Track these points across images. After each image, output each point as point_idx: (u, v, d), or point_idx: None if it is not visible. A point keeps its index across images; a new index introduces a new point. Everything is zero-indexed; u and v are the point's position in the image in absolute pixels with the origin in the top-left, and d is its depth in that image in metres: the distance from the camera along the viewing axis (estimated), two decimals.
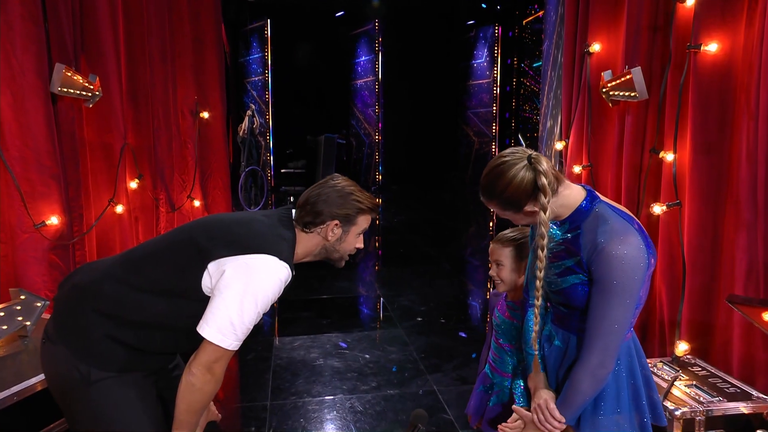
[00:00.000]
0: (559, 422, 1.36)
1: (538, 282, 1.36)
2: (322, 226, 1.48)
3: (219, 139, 4.20)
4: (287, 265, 1.40)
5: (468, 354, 3.56)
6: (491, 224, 9.08)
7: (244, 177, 8.72)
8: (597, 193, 1.38)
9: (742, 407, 1.85)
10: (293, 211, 1.54)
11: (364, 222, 1.52)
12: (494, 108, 11.58)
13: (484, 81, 11.90)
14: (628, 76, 2.53)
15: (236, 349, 1.37)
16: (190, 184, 3.92)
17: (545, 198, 1.26)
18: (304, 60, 12.25)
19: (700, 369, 2.14)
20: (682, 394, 1.95)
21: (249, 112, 8.98)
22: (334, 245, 1.52)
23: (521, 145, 11.29)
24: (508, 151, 1.33)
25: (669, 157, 2.38)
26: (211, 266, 1.36)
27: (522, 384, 1.64)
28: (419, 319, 4.18)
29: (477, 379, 1.85)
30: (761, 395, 1.90)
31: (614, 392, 1.37)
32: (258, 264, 1.35)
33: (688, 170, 2.30)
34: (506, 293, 1.77)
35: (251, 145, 9.03)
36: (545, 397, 1.41)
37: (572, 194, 1.34)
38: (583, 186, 1.39)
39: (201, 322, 1.34)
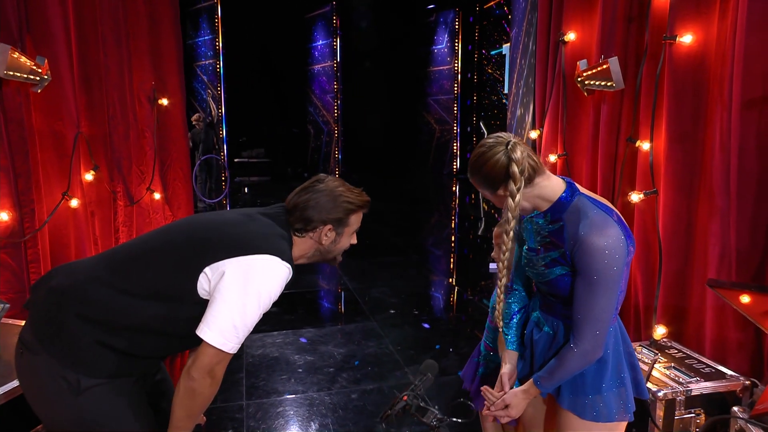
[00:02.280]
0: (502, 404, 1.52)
1: (500, 264, 1.47)
2: (314, 232, 1.48)
3: (178, 127, 4.05)
4: (289, 265, 1.39)
5: (444, 344, 3.64)
6: (453, 213, 9.26)
7: (198, 167, 8.47)
8: (577, 185, 1.44)
9: (718, 386, 1.99)
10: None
11: (356, 221, 1.54)
12: (455, 93, 11.71)
13: (445, 67, 12.02)
14: (604, 66, 2.63)
15: (237, 350, 1.36)
16: (149, 175, 3.78)
17: (514, 185, 1.32)
18: (257, 43, 11.97)
19: (676, 351, 2.29)
20: (662, 375, 2.08)
21: (210, 96, 8.69)
22: (329, 248, 1.52)
23: (484, 133, 11.52)
24: (496, 134, 1.40)
25: (645, 146, 2.50)
26: (208, 269, 1.34)
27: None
28: (392, 311, 4.23)
29: (475, 349, 2.04)
30: (734, 374, 2.05)
31: (601, 372, 1.46)
32: (260, 265, 1.34)
33: (664, 159, 2.43)
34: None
35: (204, 134, 8.77)
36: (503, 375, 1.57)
37: (551, 186, 1.40)
38: (563, 178, 1.45)
39: (201, 324, 1.32)
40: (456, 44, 11.62)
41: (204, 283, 1.34)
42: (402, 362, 3.33)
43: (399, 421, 1.41)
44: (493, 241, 1.88)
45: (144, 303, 1.34)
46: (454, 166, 11.95)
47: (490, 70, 10.97)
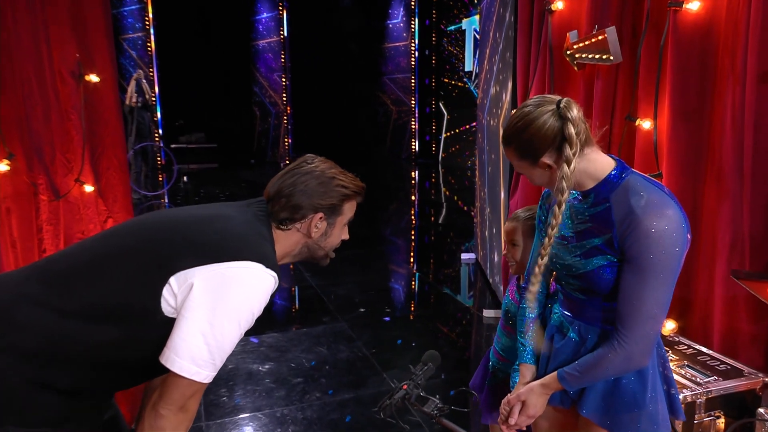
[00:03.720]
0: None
1: (542, 251, 1.31)
2: (302, 222, 1.32)
3: (111, 108, 3.69)
4: (274, 274, 1.21)
5: (423, 344, 3.51)
6: (413, 198, 9.19)
7: (132, 155, 7.93)
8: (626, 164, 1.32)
9: (738, 385, 1.93)
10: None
11: (350, 210, 1.39)
12: (413, 72, 11.56)
13: (401, 43, 11.83)
14: (600, 37, 2.52)
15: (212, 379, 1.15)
16: (77, 164, 3.41)
17: (571, 149, 1.20)
18: (194, 15, 11.33)
19: (685, 347, 2.22)
20: (677, 375, 2.00)
21: (136, 76, 8.12)
22: (318, 242, 1.36)
23: (444, 114, 11.46)
24: (535, 97, 1.28)
25: (646, 124, 2.41)
26: (175, 280, 1.13)
27: (519, 379, 1.60)
28: (362, 310, 4.08)
29: (484, 356, 1.95)
30: (752, 370, 2.00)
31: (643, 382, 1.34)
32: (238, 274, 1.15)
33: (666, 138, 2.34)
34: (518, 277, 1.75)
35: (141, 117, 8.22)
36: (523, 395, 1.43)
37: (600, 161, 1.28)
38: (611, 156, 1.32)
39: (167, 350, 1.12)
40: (412, 19, 11.43)
41: (169, 297, 1.13)
42: (378, 367, 3.18)
43: (398, 412, 1.39)
44: (504, 238, 1.73)
45: (91, 326, 1.12)
46: (413, 150, 11.85)
47: (450, 47, 10.86)
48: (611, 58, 2.50)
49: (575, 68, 2.82)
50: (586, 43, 2.64)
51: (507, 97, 3.72)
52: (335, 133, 12.14)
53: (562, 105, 1.22)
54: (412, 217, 7.87)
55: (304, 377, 3.06)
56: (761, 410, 1.83)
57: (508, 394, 1.48)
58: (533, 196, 3.18)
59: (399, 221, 7.46)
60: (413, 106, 11.71)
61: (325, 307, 4.11)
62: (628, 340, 1.25)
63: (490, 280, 4.39)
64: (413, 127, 11.73)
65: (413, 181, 10.54)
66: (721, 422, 1.93)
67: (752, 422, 1.84)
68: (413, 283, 4.90)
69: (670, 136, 2.32)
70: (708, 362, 2.09)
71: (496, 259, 4.10)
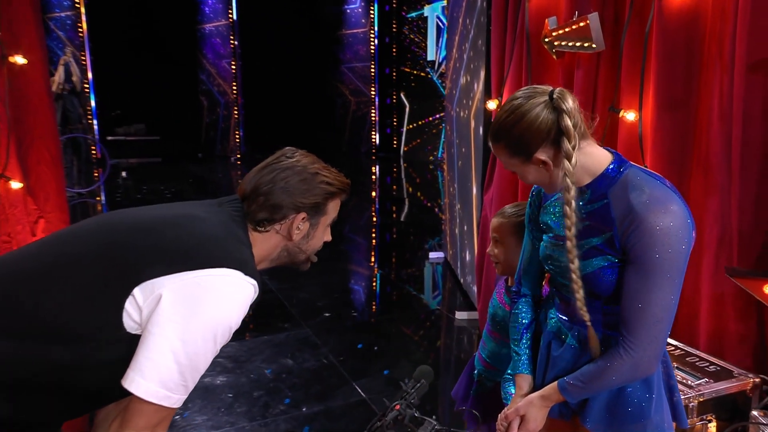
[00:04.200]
0: None
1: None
2: (282, 223, 1.26)
3: (41, 94, 3.45)
4: (254, 282, 1.13)
5: (394, 350, 3.46)
6: (374, 194, 9.15)
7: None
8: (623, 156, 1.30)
9: (730, 387, 1.95)
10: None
11: (334, 209, 1.35)
12: (372, 60, 11.49)
13: (360, 30, 11.74)
14: (582, 24, 2.51)
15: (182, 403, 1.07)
16: (1, 158, 3.17)
17: (570, 143, 1.17)
18: None
19: (672, 347, 2.23)
20: None
21: (65, 59, 7.71)
22: (300, 245, 1.30)
23: (405, 106, 11.45)
24: (525, 88, 1.26)
25: (630, 116, 2.42)
26: (139, 291, 1.05)
27: (513, 392, 1.57)
28: (326, 314, 4.00)
29: (468, 362, 1.92)
30: (741, 371, 2.03)
31: (649, 390, 1.32)
32: (214, 283, 1.07)
33: (651, 130, 2.36)
34: (507, 278, 1.73)
35: (70, 105, 7.82)
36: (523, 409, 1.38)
37: (597, 155, 1.26)
38: (607, 148, 1.30)
39: (130, 373, 1.03)
40: (371, 5, 11.35)
41: (133, 311, 1.05)
42: (348, 376, 3.11)
43: None
44: (491, 234, 1.68)
45: (39, 348, 1.02)
46: (373, 143, 11.79)
47: (412, 35, 10.84)
48: (594, 45, 2.50)
49: (554, 57, 2.82)
50: (567, 30, 2.64)
51: (479, 87, 3.70)
52: (290, 125, 11.93)
53: (555, 95, 1.19)
54: (374, 215, 7.82)
55: (266, 390, 2.96)
56: (755, 413, 1.86)
57: (505, 408, 1.44)
58: (509, 191, 3.17)
59: (359, 219, 7.40)
60: (373, 96, 11.65)
61: (287, 313, 4.01)
62: (635, 346, 1.22)
63: (462, 280, 4.38)
64: (373, 118, 11.67)
65: (374, 177, 10.51)
66: (713, 426, 1.95)
67: (746, 426, 1.86)
68: (379, 284, 4.85)
69: (655, 127, 2.34)
70: (697, 363, 2.10)
71: (467, 257, 4.09)
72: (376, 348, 3.49)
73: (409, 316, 4.09)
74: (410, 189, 9.62)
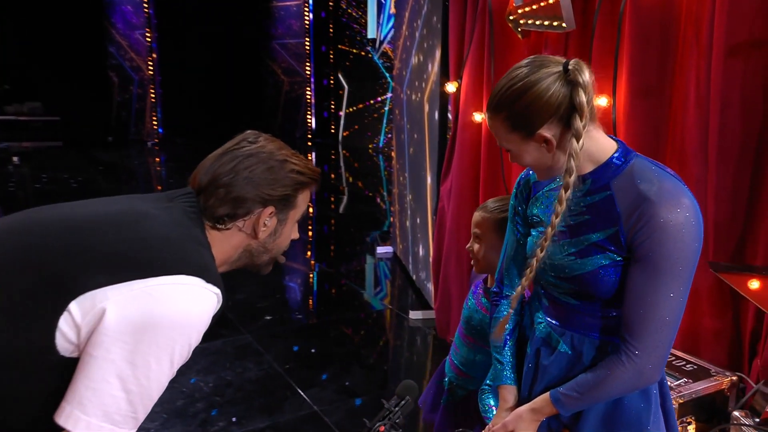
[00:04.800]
0: None
1: (542, 244, 1.24)
2: (246, 218, 1.16)
3: None
4: (217, 291, 1.04)
5: (345, 355, 3.41)
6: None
7: None
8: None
9: (709, 387, 2.00)
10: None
11: (304, 202, 1.26)
12: (306, 37, 11.29)
13: (292, 2, 11.47)
14: (552, 0, 2.50)
15: None
16: None
17: (581, 121, 1.14)
18: None
19: None
20: None
21: None
22: (265, 243, 1.21)
23: (344, 88, 11.32)
24: (529, 57, 1.21)
25: (602, 101, 2.43)
26: (77, 306, 0.93)
27: (493, 403, 1.57)
28: (267, 317, 3.91)
29: (437, 369, 1.89)
30: (719, 369, 2.09)
31: (647, 401, 1.31)
32: (169, 294, 0.97)
33: (624, 117, 2.38)
34: (486, 278, 1.71)
35: None
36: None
37: (602, 141, 1.23)
38: (611, 136, 1.28)
39: (66, 406, 0.91)
40: None
41: (68, 330, 0.93)
42: (296, 386, 3.03)
43: None
44: (472, 230, 1.64)
45: None
46: (309, 127, 11.61)
47: (349, 11, 10.70)
48: (563, 24, 2.49)
49: (519, 36, 2.80)
50: (534, 7, 2.62)
51: (434, 69, 3.66)
52: (215, 107, 11.53)
53: (571, 66, 1.14)
54: (311, 205, 7.68)
55: (204, 404, 2.83)
56: (736, 413, 1.91)
57: (489, 424, 1.41)
58: (470, 182, 3.15)
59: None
60: (308, 76, 11.43)
61: (223, 317, 3.85)
62: (639, 353, 1.20)
63: (414, 277, 4.36)
64: (309, 101, 11.46)
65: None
66: (692, 428, 2.00)
67: (727, 428, 1.91)
68: (324, 282, 4.77)
69: (628, 114, 2.36)
70: (674, 362, 2.15)
71: (421, 252, 4.07)
72: (325, 353, 3.42)
73: (359, 316, 4.05)
74: (350, 178, 9.55)
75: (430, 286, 3.77)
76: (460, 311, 3.28)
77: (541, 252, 1.23)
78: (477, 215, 1.64)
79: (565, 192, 1.18)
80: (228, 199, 1.12)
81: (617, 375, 1.22)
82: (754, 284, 1.76)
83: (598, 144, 1.21)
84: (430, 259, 3.72)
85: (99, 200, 1.14)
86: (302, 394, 2.94)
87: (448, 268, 3.32)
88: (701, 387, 2.00)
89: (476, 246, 1.63)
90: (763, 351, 2.08)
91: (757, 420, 1.85)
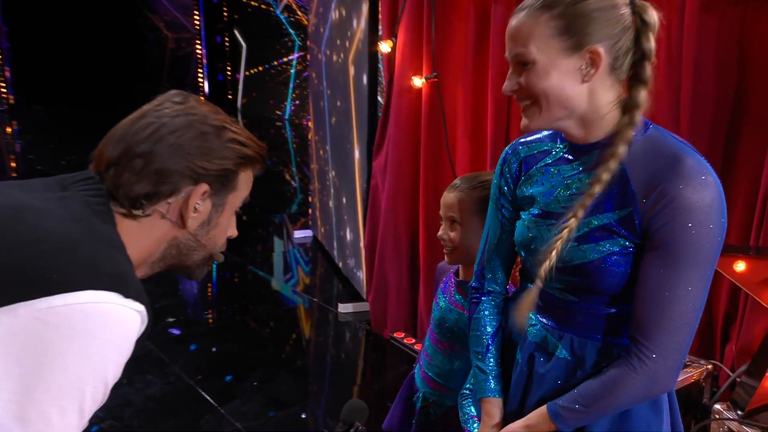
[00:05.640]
0: None
1: (558, 243, 1.17)
2: (171, 200, 1.01)
3: None
4: (140, 307, 0.88)
5: (268, 358, 3.30)
6: None
7: None
8: None
9: (687, 377, 2.05)
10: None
11: (246, 185, 1.12)
12: None
13: None
14: None
15: None
16: None
17: (649, 68, 1.12)
18: None
19: None
20: None
21: None
22: (197, 235, 1.06)
23: (240, 44, 10.90)
24: None
25: None
26: None
27: (474, 412, 1.50)
28: (169, 319, 3.71)
29: (403, 384, 1.81)
30: (693, 358, 2.15)
31: (658, 411, 1.28)
32: (73, 320, 0.82)
33: None
34: (457, 270, 1.65)
35: None
36: None
37: (609, 106, 1.17)
38: None
39: None
40: None
41: None
42: (212, 400, 2.88)
43: None
44: (446, 214, 1.58)
45: None
46: (201, 92, 11.17)
47: None
48: None
49: None
50: None
51: (360, 25, 3.52)
52: (83, 67, 10.75)
53: (637, 2, 1.12)
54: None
55: (100, 425, 2.64)
56: (717, 406, 1.96)
57: None
58: (409, 156, 3.09)
59: None
60: (197, 32, 10.93)
61: None
62: (655, 356, 1.16)
63: (340, 265, 4.31)
64: (199, 61, 10.98)
65: None
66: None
67: (708, 423, 1.96)
68: (233, 274, 4.59)
69: None
70: None
71: (348, 237, 3.98)
72: (243, 358, 3.29)
73: (278, 312, 3.95)
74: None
75: (362, 275, 3.70)
76: (398, 302, 3.26)
77: (562, 244, 1.16)
78: (451, 196, 1.57)
79: (615, 162, 1.12)
80: (147, 172, 0.96)
81: (628, 382, 1.18)
82: (740, 266, 1.79)
83: (599, 112, 1.15)
84: (361, 245, 3.65)
85: None
86: (220, 409, 2.81)
87: (384, 255, 3.25)
88: (681, 378, 2.04)
89: (452, 233, 1.55)
90: (739, 336, 2.15)
91: (740, 413, 1.89)
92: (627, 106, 1.13)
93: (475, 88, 2.78)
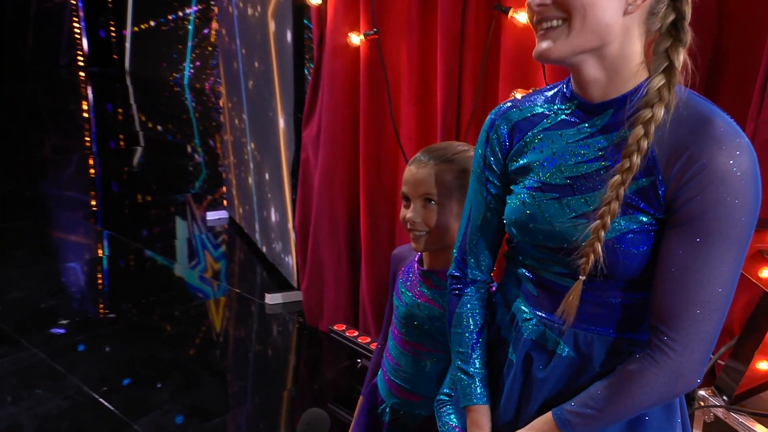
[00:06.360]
0: None
1: (600, 230, 1.11)
2: None
3: None
4: None
5: (187, 362, 3.24)
6: (88, 129, 8.64)
7: None
8: None
9: None
10: None
11: None
12: None
13: None
14: None
15: None
16: None
17: (687, 27, 1.08)
18: None
19: None
20: None
21: None
22: None
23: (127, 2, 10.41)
24: None
25: (521, 17, 2.36)
26: None
27: (455, 422, 1.45)
28: (62, 321, 3.59)
29: (362, 391, 1.76)
30: None
31: (671, 414, 1.27)
32: None
33: None
34: (420, 257, 1.58)
35: None
36: None
37: (634, 58, 1.13)
38: None
39: None
40: None
41: None
42: (122, 415, 2.76)
43: None
44: (416, 191, 1.51)
45: None
46: (79, 52, 10.65)
47: None
48: None
49: None
50: None
51: None
52: None
53: None
54: (91, 158, 7.36)
55: None
56: (702, 392, 1.99)
57: None
58: (346, 124, 3.03)
59: (67, 166, 6.90)
60: None
61: None
62: (680, 348, 1.12)
63: (264, 249, 4.27)
64: (75, 13, 10.43)
65: (85, 103, 9.79)
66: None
67: (691, 413, 1.99)
68: (134, 263, 4.48)
69: None
70: None
71: (273, 218, 3.90)
72: (155, 362, 3.19)
73: (193, 305, 3.85)
74: (144, 119, 9.11)
75: (291, 261, 3.63)
76: (337, 291, 3.18)
77: (605, 230, 1.10)
78: (423, 172, 1.48)
79: (655, 123, 1.07)
80: None
81: (648, 379, 1.14)
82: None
83: (628, 61, 1.11)
84: (290, 226, 3.59)
85: None
86: (133, 425, 2.70)
87: (319, 237, 3.19)
88: None
89: (426, 213, 1.46)
90: None
91: (726, 399, 1.93)
92: (659, 65, 1.08)
93: (422, 45, 2.72)
